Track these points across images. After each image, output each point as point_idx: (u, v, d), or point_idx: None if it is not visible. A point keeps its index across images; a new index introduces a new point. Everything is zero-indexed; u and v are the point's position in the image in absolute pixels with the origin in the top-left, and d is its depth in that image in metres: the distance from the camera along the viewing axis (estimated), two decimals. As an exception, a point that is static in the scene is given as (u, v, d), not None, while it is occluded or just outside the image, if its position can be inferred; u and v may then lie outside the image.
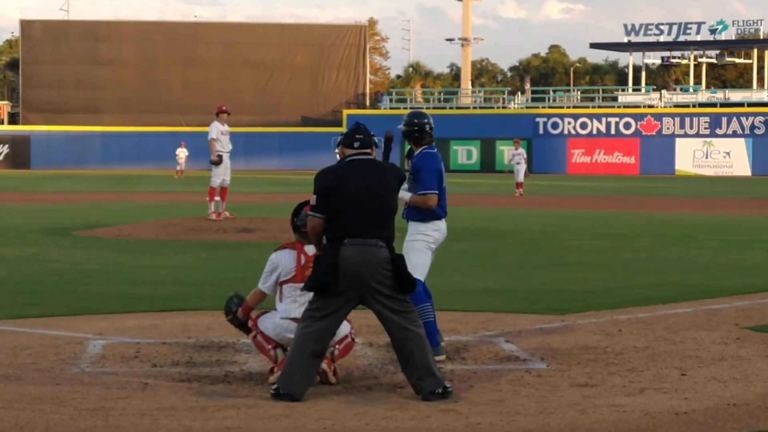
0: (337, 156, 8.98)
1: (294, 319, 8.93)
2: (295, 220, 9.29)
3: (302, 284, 8.92)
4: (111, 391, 8.65)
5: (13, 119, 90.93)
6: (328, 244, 8.58)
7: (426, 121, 10.47)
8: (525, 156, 45.91)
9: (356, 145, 8.81)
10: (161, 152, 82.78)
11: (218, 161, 25.72)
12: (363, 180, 8.61)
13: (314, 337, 8.50)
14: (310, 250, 9.06)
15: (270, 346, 9.09)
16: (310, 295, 8.76)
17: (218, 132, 25.54)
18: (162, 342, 10.88)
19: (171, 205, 35.60)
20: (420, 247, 10.25)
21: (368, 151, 8.84)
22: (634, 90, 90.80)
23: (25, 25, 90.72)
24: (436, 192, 10.16)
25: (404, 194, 10.07)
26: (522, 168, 44.91)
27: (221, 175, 25.87)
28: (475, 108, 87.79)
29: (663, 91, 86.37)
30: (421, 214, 10.30)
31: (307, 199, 9.14)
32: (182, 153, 68.59)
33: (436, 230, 10.31)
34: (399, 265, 8.55)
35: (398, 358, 8.68)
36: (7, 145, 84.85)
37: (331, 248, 8.51)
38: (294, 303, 9.05)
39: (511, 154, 46.86)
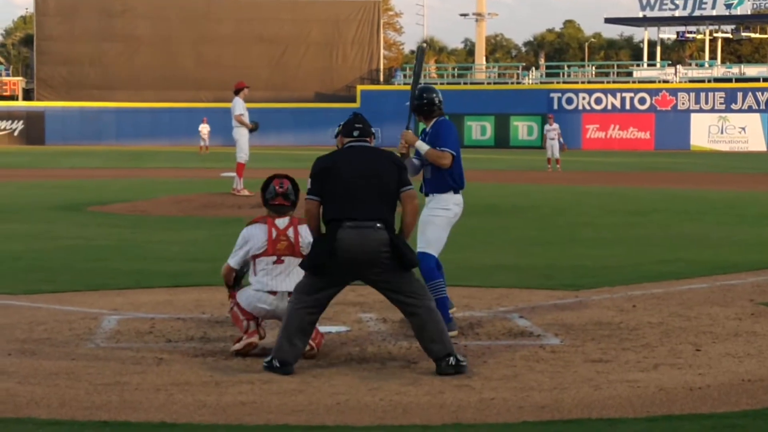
0: (337, 146, 9.10)
1: (270, 292, 9.07)
2: (264, 194, 9.38)
3: (273, 257, 9.08)
4: (126, 366, 8.68)
5: (28, 95, 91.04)
6: (326, 226, 8.60)
7: (434, 95, 10.50)
8: (559, 131, 45.82)
9: (355, 134, 8.95)
10: (175, 128, 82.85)
11: (256, 127, 25.84)
12: (359, 164, 8.68)
13: (305, 311, 8.58)
14: (281, 223, 9.20)
15: (243, 317, 9.19)
16: (282, 267, 9.01)
17: (244, 107, 25.58)
18: (176, 317, 10.91)
19: (185, 181, 35.65)
20: (440, 222, 10.25)
21: (367, 139, 8.96)
22: (649, 65, 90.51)
23: (40, 1, 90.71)
24: (453, 153, 10.08)
25: (421, 145, 10.11)
26: (556, 144, 44.96)
27: (247, 151, 25.89)
28: (489, 84, 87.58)
29: (678, 66, 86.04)
30: (441, 186, 10.27)
31: (275, 174, 9.49)
32: (205, 129, 68.56)
33: (456, 204, 10.32)
34: (398, 245, 8.54)
35: (412, 330, 8.75)
36: (21, 121, 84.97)
37: (329, 230, 8.55)
38: (267, 275, 9.15)
39: (546, 130, 46.82)
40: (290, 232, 9.21)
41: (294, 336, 8.57)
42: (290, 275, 9.10)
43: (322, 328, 9.53)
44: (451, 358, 8.48)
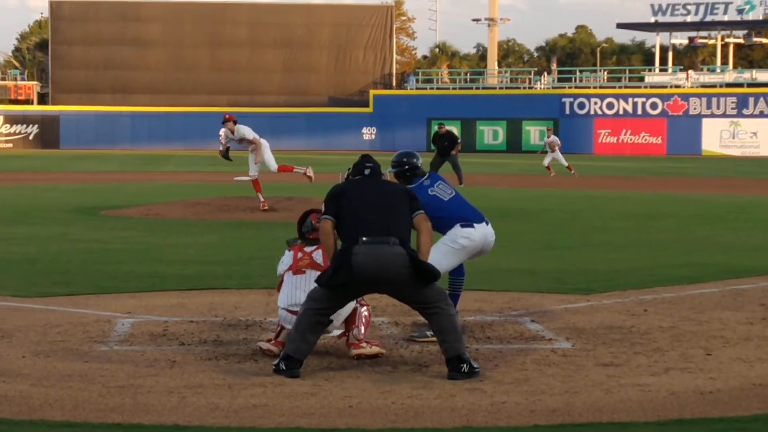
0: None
1: (292, 311, 9.36)
2: (300, 227, 9.87)
3: (294, 272, 9.53)
4: (139, 369, 8.73)
5: (43, 99, 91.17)
6: (344, 244, 8.79)
7: (416, 160, 10.49)
8: (559, 143, 45.87)
9: (366, 172, 9.22)
10: (189, 132, 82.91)
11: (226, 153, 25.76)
12: (371, 189, 9.01)
13: (317, 313, 8.76)
14: (309, 249, 9.67)
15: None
16: (305, 276, 9.44)
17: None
18: (189, 320, 10.95)
19: (199, 185, 35.71)
20: (442, 249, 10.30)
21: (377, 177, 9.23)
22: (661, 70, 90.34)
23: (55, 5, 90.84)
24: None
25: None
26: (558, 154, 45.04)
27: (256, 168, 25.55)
28: (501, 88, 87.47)
29: (690, 72, 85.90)
30: (442, 227, 10.35)
31: (313, 208, 9.99)
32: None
33: (465, 238, 10.38)
34: (416, 259, 8.69)
35: (433, 332, 8.93)
36: (36, 125, 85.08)
37: (345, 247, 8.73)
38: (293, 288, 9.49)
39: (545, 143, 46.87)
40: (315, 255, 9.62)
41: (306, 332, 8.71)
42: (309, 284, 9.38)
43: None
44: (465, 365, 8.52)
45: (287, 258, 9.78)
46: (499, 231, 20.61)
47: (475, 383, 8.31)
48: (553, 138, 45.85)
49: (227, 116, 25.61)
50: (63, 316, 11.21)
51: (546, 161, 45.37)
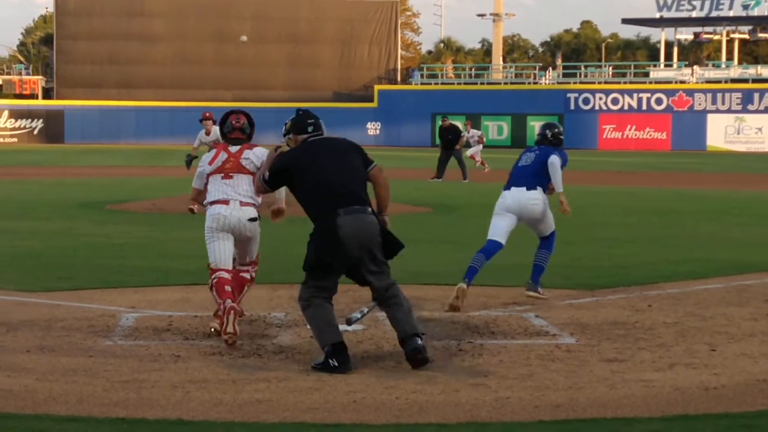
0: (288, 145, 9.24)
1: (222, 201, 9.98)
2: (222, 128, 10.46)
3: (222, 174, 10.12)
4: (143, 364, 8.74)
5: (48, 94, 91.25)
6: (318, 218, 8.74)
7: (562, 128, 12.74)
8: (477, 137, 45.50)
9: (310, 129, 9.12)
10: (194, 127, 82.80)
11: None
12: (329, 155, 8.89)
13: (323, 301, 8.76)
14: (233, 149, 10.23)
15: (221, 300, 9.72)
16: (231, 182, 9.95)
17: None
18: (194, 315, 10.96)
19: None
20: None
21: (321, 133, 9.15)
22: (666, 66, 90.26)
23: (60, 0, 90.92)
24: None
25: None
26: (478, 147, 44.61)
27: None
28: (506, 84, 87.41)
29: (695, 67, 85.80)
30: None
31: (233, 110, 10.62)
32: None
33: (502, 197, 12.46)
34: (387, 232, 8.82)
35: (386, 313, 8.90)
36: (41, 120, 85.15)
37: (326, 221, 8.66)
38: (216, 188, 10.08)
39: (466, 137, 46.32)
40: (240, 158, 10.17)
41: (323, 323, 8.69)
42: (238, 187, 10.06)
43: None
44: (417, 339, 8.57)
45: (208, 156, 10.36)
46: (503, 226, 20.67)
47: (480, 378, 8.31)
48: (473, 131, 45.37)
49: (207, 114, 24.23)
50: (67, 310, 11.22)
51: (477, 157, 44.73)
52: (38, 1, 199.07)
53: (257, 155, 10.08)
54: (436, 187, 33.26)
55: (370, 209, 8.78)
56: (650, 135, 78.89)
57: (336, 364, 8.50)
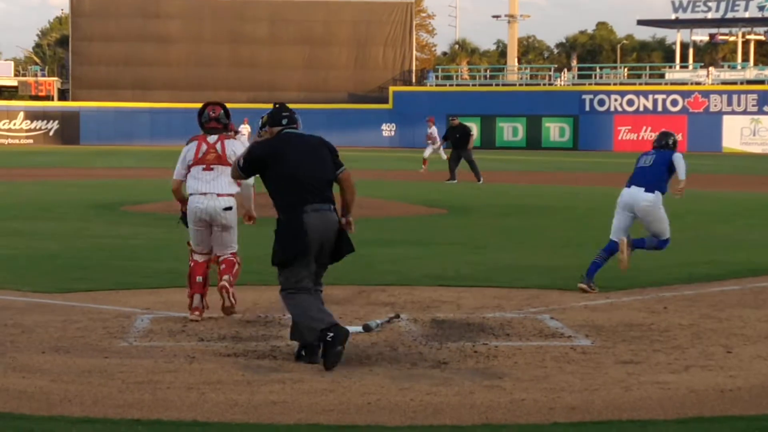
0: (260, 135, 9.53)
1: (201, 194, 10.87)
2: (200, 119, 11.09)
3: (203, 165, 10.85)
4: (158, 365, 8.74)
5: (63, 95, 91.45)
6: (285, 212, 8.99)
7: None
8: (435, 135, 45.06)
9: (284, 122, 9.35)
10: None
11: None
12: (302, 151, 9.12)
13: (306, 290, 8.98)
14: (211, 140, 10.96)
15: (191, 291, 11.00)
16: (211, 174, 10.55)
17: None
18: (209, 316, 10.97)
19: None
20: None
21: (295, 126, 9.37)
22: (681, 67, 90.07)
23: (75, 2, 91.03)
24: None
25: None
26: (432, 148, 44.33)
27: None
28: (521, 85, 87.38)
29: (710, 68, 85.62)
30: None
31: (209, 102, 11.29)
32: (245, 129, 68.37)
33: (621, 196, 13.51)
34: (341, 231, 9.12)
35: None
36: (56, 121, 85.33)
37: (292, 217, 8.92)
38: (198, 181, 10.87)
39: (432, 133, 45.71)
40: (218, 146, 10.89)
41: (305, 315, 8.89)
42: (217, 180, 10.80)
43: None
44: (331, 331, 8.70)
45: (192, 149, 10.91)
46: (519, 227, 20.75)
47: (495, 380, 8.30)
48: (433, 129, 45.03)
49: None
50: (83, 311, 11.24)
51: (427, 153, 44.39)
52: (54, 3, 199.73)
53: (235, 148, 10.89)
54: (450, 189, 33.24)
55: (333, 207, 9.09)
56: (666, 136, 78.61)
57: (303, 354, 8.93)
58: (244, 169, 9.32)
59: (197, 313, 10.91)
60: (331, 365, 8.62)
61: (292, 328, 9.12)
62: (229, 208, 10.93)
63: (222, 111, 11.13)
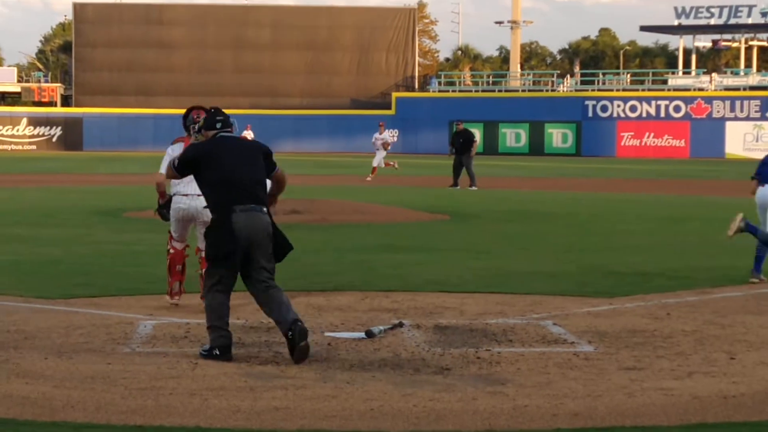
0: (196, 138, 10.31)
1: (183, 195, 11.69)
2: (185, 122, 11.77)
3: None
4: (161, 371, 8.74)
5: (66, 101, 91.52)
6: (217, 212, 9.38)
7: None
8: (386, 140, 44.43)
9: (218, 125, 9.70)
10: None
11: None
12: (236, 154, 9.48)
13: (222, 295, 9.34)
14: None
15: (170, 279, 12.08)
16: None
17: None
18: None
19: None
20: None
21: (230, 130, 9.76)
22: (684, 73, 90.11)
23: (78, 8, 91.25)
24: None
25: None
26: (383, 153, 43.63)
27: None
28: (524, 91, 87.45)
29: (713, 75, 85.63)
30: None
31: (194, 106, 11.98)
32: (249, 135, 68.47)
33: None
34: (277, 231, 9.42)
35: (267, 310, 9.39)
36: (60, 127, 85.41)
37: (222, 216, 9.27)
38: (181, 183, 11.55)
39: (374, 138, 44.60)
40: None
41: (217, 319, 9.27)
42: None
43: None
44: (299, 324, 9.04)
45: (177, 150, 11.22)
46: (522, 233, 20.76)
47: (497, 386, 8.29)
48: (379, 136, 44.24)
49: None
50: (86, 317, 11.24)
51: (376, 162, 43.31)
52: (57, 9, 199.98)
53: None
54: (453, 195, 33.25)
55: (265, 209, 9.38)
56: (668, 142, 78.76)
57: (218, 353, 9.18)
58: (178, 169, 9.68)
59: (177, 297, 12.00)
60: (300, 359, 9.04)
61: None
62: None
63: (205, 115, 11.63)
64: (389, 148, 45.05)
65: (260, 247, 9.31)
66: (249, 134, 63.45)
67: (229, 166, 9.35)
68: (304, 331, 9.08)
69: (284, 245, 9.51)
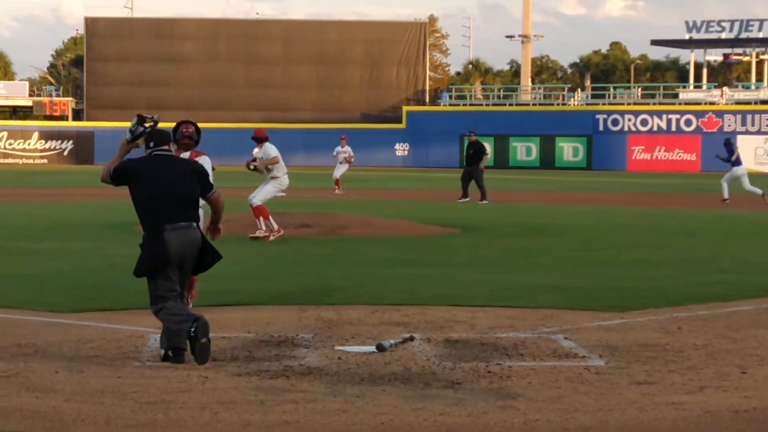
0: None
1: None
2: (175, 135, 11.83)
3: None
4: (171, 385, 8.73)
5: (78, 115, 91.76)
6: (148, 230, 9.71)
7: None
8: (350, 154, 44.11)
9: (151, 144, 9.96)
10: (223, 148, 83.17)
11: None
12: (167, 173, 9.73)
13: (173, 301, 9.70)
14: (185, 156, 11.83)
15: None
16: None
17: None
18: (221, 336, 10.95)
19: (230, 201, 35.73)
20: None
21: (166, 147, 9.97)
22: (695, 87, 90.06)
23: (90, 22, 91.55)
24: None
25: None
26: (345, 167, 43.50)
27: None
28: (535, 105, 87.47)
29: (724, 88, 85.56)
30: None
31: (183, 120, 12.46)
32: (345, 149, 68.02)
33: None
34: (206, 247, 9.82)
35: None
36: (71, 141, 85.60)
37: (153, 234, 9.65)
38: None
39: (336, 152, 44.58)
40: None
41: (180, 323, 9.50)
42: None
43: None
44: (193, 325, 9.38)
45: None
46: (532, 247, 20.72)
47: (508, 401, 8.27)
48: (340, 150, 44.07)
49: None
50: (96, 331, 11.24)
51: (338, 173, 43.51)
52: (69, 23, 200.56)
53: (204, 164, 12.00)
54: (463, 208, 33.23)
55: (195, 224, 9.73)
56: (679, 156, 78.68)
57: (171, 355, 9.56)
58: (112, 176, 9.87)
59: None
60: (202, 359, 9.38)
61: (162, 336, 9.75)
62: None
63: (194, 129, 12.42)
64: (352, 160, 44.96)
65: (190, 261, 9.76)
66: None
67: (159, 185, 9.63)
68: (206, 325, 9.44)
69: (211, 257, 9.87)
